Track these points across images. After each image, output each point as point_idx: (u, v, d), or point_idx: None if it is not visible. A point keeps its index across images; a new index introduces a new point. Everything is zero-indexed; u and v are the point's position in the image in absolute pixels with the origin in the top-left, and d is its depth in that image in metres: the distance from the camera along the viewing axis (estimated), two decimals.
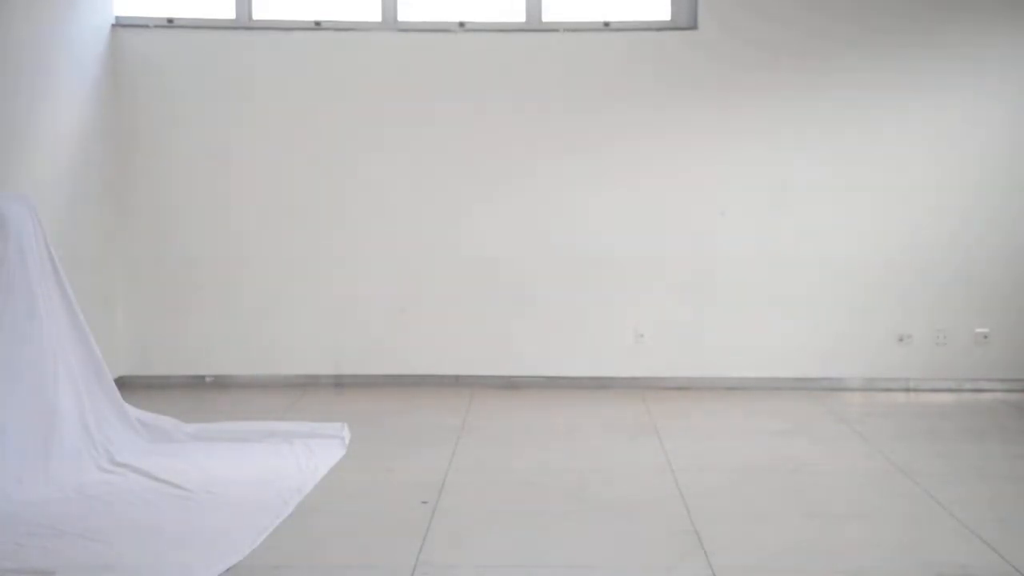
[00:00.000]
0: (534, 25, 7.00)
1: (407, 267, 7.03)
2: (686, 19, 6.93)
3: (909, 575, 3.75)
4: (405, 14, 7.04)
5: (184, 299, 7.05)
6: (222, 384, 7.09)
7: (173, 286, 7.04)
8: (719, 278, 6.97)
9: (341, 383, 7.08)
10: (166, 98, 6.94)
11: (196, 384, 7.10)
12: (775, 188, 6.90)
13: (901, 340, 6.99)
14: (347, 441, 5.53)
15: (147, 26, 6.94)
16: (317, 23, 7.01)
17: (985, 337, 6.96)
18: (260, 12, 7.04)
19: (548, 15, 7.01)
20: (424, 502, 4.52)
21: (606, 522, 4.31)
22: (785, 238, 6.93)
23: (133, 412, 5.51)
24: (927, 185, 6.88)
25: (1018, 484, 4.90)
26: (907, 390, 6.98)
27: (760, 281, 6.96)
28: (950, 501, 4.51)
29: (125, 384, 6.74)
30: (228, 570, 3.73)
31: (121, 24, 6.92)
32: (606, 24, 6.98)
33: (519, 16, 7.03)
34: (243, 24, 7.02)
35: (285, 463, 5.08)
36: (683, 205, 6.95)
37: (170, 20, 6.98)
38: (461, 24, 7.00)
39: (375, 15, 7.06)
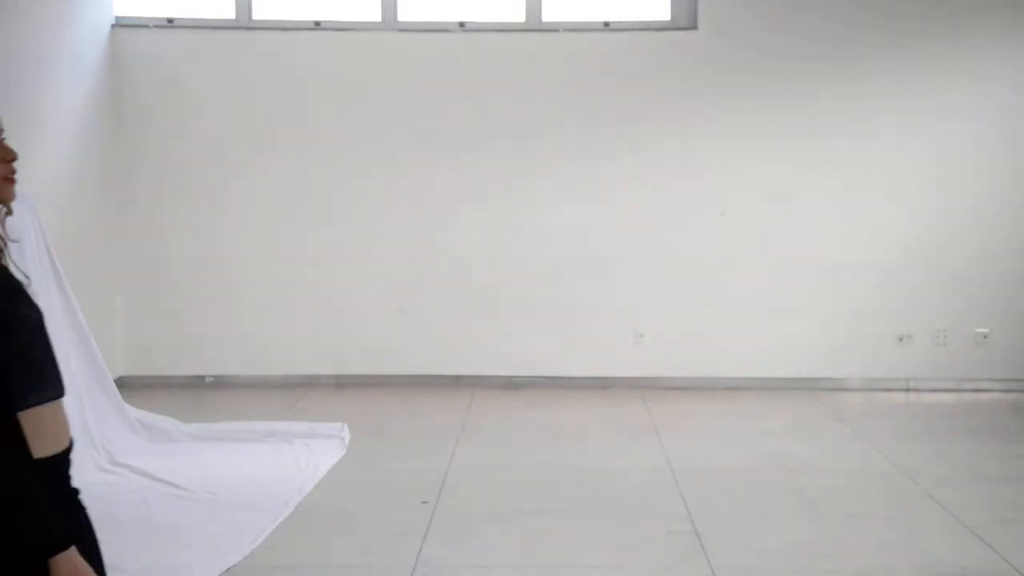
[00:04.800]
0: (534, 25, 7.00)
1: (407, 267, 7.03)
2: (686, 19, 6.93)
3: (909, 575, 3.75)
4: (405, 14, 7.04)
5: (184, 299, 7.05)
6: (222, 384, 7.09)
7: (173, 286, 7.04)
8: (719, 278, 6.97)
9: (341, 383, 7.08)
10: (166, 98, 6.94)
11: (196, 384, 7.10)
12: (775, 188, 6.90)
13: (901, 340, 6.99)
14: (347, 441, 5.53)
15: (147, 26, 6.94)
16: (317, 23, 7.01)
17: (985, 337, 6.96)
18: (260, 12, 7.04)
19: (548, 15, 7.01)
20: (424, 502, 4.52)
21: (606, 522, 4.31)
22: (785, 238, 6.93)
23: (133, 412, 5.51)
24: (926, 185, 6.88)
25: (1018, 484, 4.90)
26: (907, 390, 6.98)
27: (760, 281, 6.96)
28: (950, 501, 4.51)
29: (125, 384, 6.74)
30: (228, 570, 3.73)
31: (121, 24, 6.92)
32: (606, 24, 6.97)
33: (519, 16, 7.03)
34: (243, 24, 7.02)
35: (285, 463, 5.08)
36: (683, 205, 6.95)
37: (170, 20, 6.98)
38: (461, 24, 7.00)
39: (375, 15, 7.05)
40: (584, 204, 6.96)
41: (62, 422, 1.97)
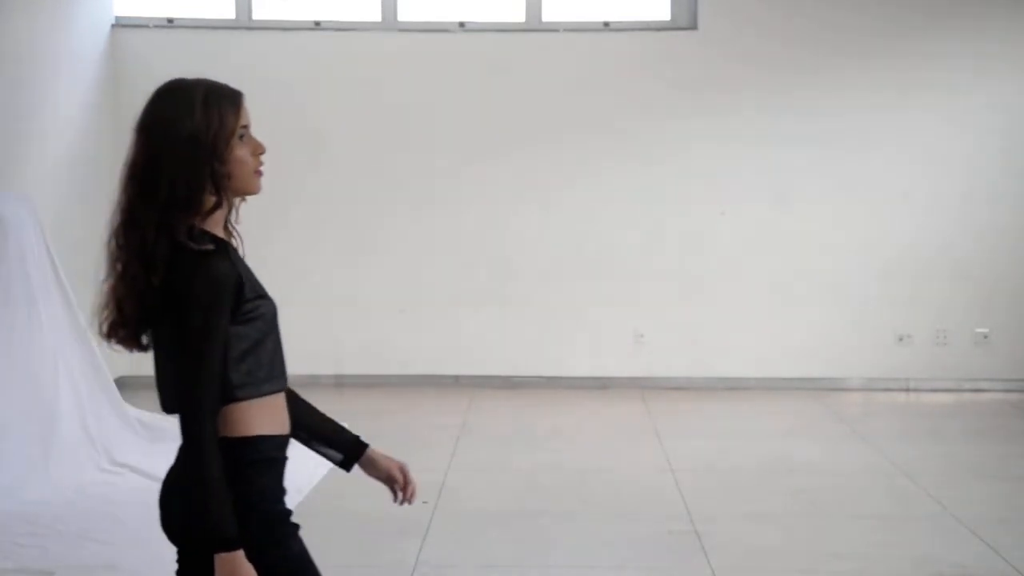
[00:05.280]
0: (534, 25, 7.00)
1: (407, 267, 7.03)
2: (686, 19, 6.93)
3: (909, 575, 3.75)
4: (405, 14, 7.04)
5: None
6: None
7: None
8: (719, 278, 6.96)
9: (341, 383, 7.08)
10: None
11: None
12: (775, 188, 6.89)
13: (901, 340, 6.98)
14: None
15: (147, 26, 6.94)
16: (317, 23, 7.01)
17: (985, 337, 6.95)
18: (260, 12, 7.04)
19: (548, 15, 7.00)
20: (424, 502, 4.52)
21: (606, 522, 4.30)
22: (785, 238, 6.93)
23: (133, 412, 5.50)
24: (926, 185, 6.88)
25: (1018, 484, 4.90)
26: (907, 390, 6.98)
27: (760, 281, 6.95)
28: (950, 501, 4.51)
29: (125, 384, 6.71)
30: None
31: (121, 24, 6.92)
32: (606, 24, 6.97)
33: (519, 16, 7.03)
34: (243, 24, 7.02)
35: None
36: (683, 205, 6.94)
37: (170, 20, 6.98)
38: (461, 24, 6.99)
39: (375, 15, 7.05)
40: (584, 203, 6.95)
41: (280, 414, 2.03)
